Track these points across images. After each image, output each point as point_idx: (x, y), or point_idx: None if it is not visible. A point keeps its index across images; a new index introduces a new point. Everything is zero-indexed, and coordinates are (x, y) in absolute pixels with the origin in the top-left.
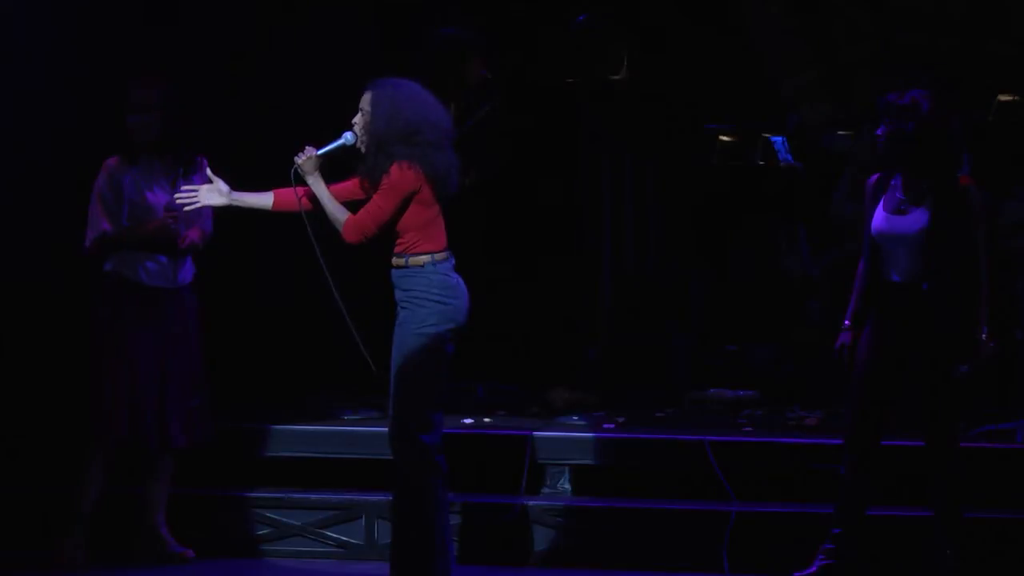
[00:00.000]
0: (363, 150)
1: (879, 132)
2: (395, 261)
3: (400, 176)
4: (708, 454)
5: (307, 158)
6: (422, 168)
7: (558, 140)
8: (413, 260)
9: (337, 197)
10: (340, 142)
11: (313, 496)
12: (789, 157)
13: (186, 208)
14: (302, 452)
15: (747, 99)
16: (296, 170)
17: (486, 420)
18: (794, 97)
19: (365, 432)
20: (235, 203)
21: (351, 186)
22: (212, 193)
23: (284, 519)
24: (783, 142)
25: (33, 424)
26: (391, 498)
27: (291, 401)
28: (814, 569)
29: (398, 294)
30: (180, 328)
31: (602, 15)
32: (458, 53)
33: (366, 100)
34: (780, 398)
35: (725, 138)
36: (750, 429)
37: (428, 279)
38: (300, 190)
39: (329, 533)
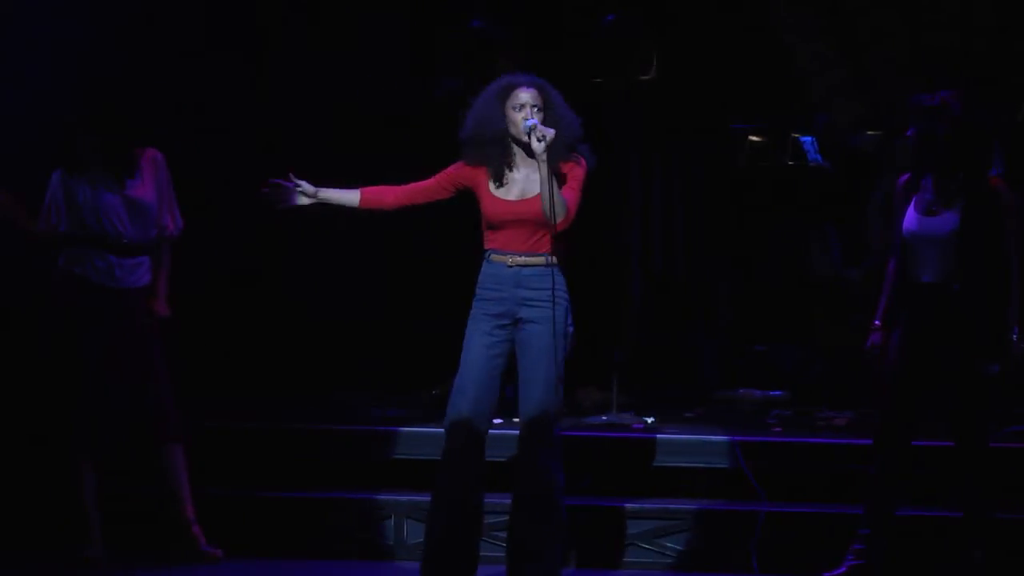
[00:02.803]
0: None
1: (909, 134)
2: (533, 260)
3: (585, 171)
4: (738, 454)
5: (552, 135)
6: None
7: (586, 140)
8: (553, 260)
9: (415, 196)
10: (534, 122)
11: (342, 496)
12: (819, 157)
13: (276, 204)
14: (332, 452)
15: (776, 99)
16: (541, 136)
17: (515, 420)
18: (823, 97)
19: (395, 432)
20: (320, 200)
21: (427, 186)
22: (297, 193)
23: (313, 519)
24: (812, 142)
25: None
26: (527, 504)
27: (319, 401)
28: (843, 569)
29: (525, 293)
30: (133, 330)
31: (631, 15)
32: (488, 51)
33: (540, 96)
34: (809, 398)
35: (754, 138)
36: (779, 429)
37: (563, 279)
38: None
39: (359, 533)
